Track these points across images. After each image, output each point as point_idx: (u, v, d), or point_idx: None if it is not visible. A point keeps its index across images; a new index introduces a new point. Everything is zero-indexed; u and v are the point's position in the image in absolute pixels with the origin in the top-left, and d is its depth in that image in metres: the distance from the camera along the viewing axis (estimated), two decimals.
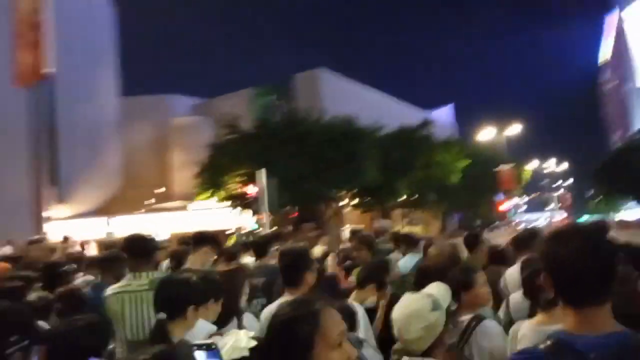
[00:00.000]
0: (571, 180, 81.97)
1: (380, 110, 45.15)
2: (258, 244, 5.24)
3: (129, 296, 2.95)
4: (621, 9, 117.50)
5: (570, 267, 1.39)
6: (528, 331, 2.67)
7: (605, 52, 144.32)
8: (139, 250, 3.08)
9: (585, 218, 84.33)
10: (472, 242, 4.69)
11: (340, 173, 26.79)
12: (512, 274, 3.82)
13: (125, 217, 30.95)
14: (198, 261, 3.63)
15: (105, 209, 36.70)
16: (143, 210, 37.43)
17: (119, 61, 54.51)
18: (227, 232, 23.87)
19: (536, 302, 2.71)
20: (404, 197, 34.93)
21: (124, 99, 53.50)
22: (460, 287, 2.81)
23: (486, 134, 34.47)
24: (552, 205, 71.50)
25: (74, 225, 26.43)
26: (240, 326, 2.88)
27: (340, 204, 31.60)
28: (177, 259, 4.16)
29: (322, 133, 27.82)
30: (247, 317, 2.96)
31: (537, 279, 2.61)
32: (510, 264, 4.13)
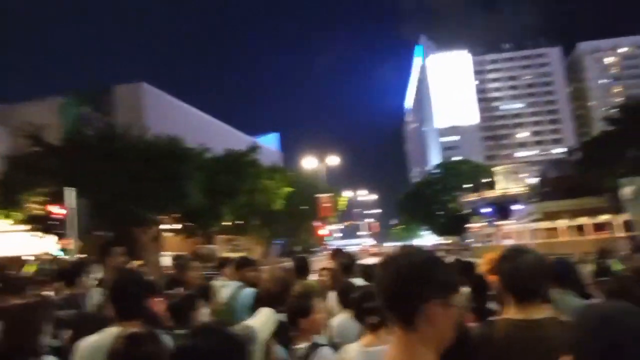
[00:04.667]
0: (378, 210, 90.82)
1: (205, 132, 44.51)
2: (68, 272, 4.54)
3: None
4: (425, 56, 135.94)
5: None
6: (357, 353, 2.72)
7: (410, 95, 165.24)
8: None
9: (390, 244, 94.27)
10: (302, 267, 4.73)
11: (162, 195, 25.38)
12: (333, 297, 3.94)
13: None
14: None
15: None
16: None
17: None
18: (25, 260, 20.68)
19: (364, 325, 2.78)
20: (228, 222, 34.61)
21: None
22: (298, 313, 2.73)
23: (308, 163, 36.35)
24: (363, 232, 78.17)
25: None
26: None
27: (160, 227, 29.88)
28: None
29: (143, 151, 26.14)
30: (48, 359, 2.46)
31: (366, 302, 2.71)
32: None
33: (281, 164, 50.10)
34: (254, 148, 35.75)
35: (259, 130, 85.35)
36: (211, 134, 46.97)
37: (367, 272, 4.49)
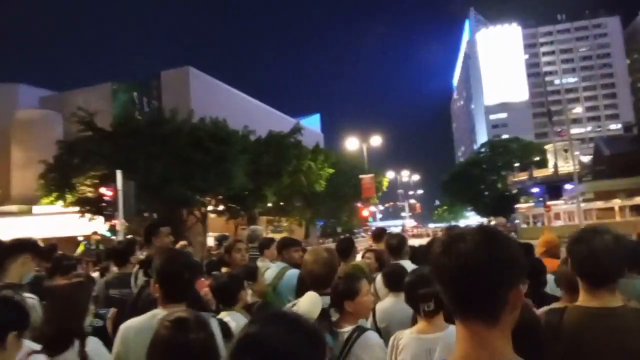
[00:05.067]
0: (421, 191, 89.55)
1: (249, 115, 44.80)
2: (118, 252, 4.59)
3: None
4: (474, 32, 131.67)
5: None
6: (410, 340, 2.56)
7: (458, 73, 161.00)
8: None
9: (432, 225, 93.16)
10: (347, 248, 4.57)
11: (208, 177, 25.85)
12: (379, 280, 3.76)
13: None
14: (15, 275, 2.94)
15: None
16: None
17: None
18: (79, 240, 21.57)
19: (417, 311, 2.61)
20: (271, 204, 34.95)
21: None
22: (344, 296, 2.59)
23: (350, 144, 36.03)
24: (405, 214, 77.42)
25: None
26: (82, 352, 2.36)
27: (205, 209, 30.52)
28: None
29: (189, 134, 26.64)
30: (92, 342, 2.42)
31: (419, 288, 2.54)
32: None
33: (323, 146, 49.94)
34: (296, 129, 35.72)
35: (301, 111, 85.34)
36: (255, 116, 47.28)
37: (416, 254, 4.31)
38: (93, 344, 2.43)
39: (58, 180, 26.87)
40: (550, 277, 3.46)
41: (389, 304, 3.36)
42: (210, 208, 31.01)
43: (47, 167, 27.43)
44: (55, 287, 2.51)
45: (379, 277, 3.81)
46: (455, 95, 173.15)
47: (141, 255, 4.31)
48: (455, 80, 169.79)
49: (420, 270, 2.73)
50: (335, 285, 2.65)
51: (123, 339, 2.31)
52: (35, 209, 32.85)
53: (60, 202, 27.59)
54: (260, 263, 4.53)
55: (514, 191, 53.90)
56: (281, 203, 37.61)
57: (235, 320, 2.82)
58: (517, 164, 55.50)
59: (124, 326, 2.36)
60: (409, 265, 3.77)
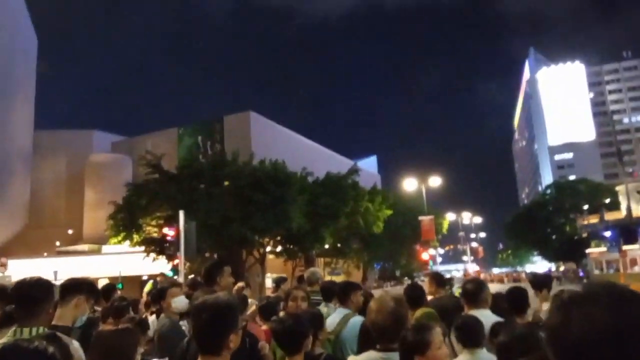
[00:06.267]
0: (484, 233, 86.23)
1: (307, 157, 45.50)
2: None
3: None
4: (534, 71, 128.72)
5: None
6: None
7: (519, 113, 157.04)
8: (26, 298, 2.46)
9: (496, 270, 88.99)
10: (419, 297, 4.10)
11: (267, 218, 26.18)
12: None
13: (27, 261, 27.97)
14: (67, 316, 2.77)
15: (4, 250, 33.08)
16: (45, 254, 34.31)
17: (36, 92, 51.39)
18: (145, 280, 22.31)
19: None
20: (327, 245, 34.77)
21: (39, 132, 50.23)
22: (414, 350, 2.24)
23: (408, 185, 35.48)
24: (466, 257, 74.51)
25: None
26: None
27: (263, 250, 30.78)
28: None
29: (249, 176, 27.29)
30: None
31: (517, 354, 2.05)
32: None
33: (380, 187, 49.59)
34: (354, 171, 35.79)
35: (359, 153, 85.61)
36: (313, 158, 47.97)
37: (498, 303, 3.83)
38: None
39: (126, 221, 28.06)
40: None
41: None
42: (268, 249, 31.25)
43: (116, 208, 28.78)
44: (99, 335, 2.33)
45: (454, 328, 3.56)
46: (516, 136, 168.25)
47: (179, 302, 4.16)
48: (516, 121, 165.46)
49: (516, 328, 2.37)
50: (403, 338, 2.30)
51: None
52: (105, 248, 34.34)
53: (127, 242, 28.68)
54: (322, 308, 4.39)
55: (584, 235, 50.78)
56: (338, 245, 37.33)
57: None
58: (586, 207, 52.52)
59: None
60: (488, 315, 3.41)
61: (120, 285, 27.28)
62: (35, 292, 2.50)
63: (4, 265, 13.52)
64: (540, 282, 4.92)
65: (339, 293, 4.14)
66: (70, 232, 43.94)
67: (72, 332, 2.70)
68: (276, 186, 26.79)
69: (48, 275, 3.59)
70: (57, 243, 40.22)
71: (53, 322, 2.81)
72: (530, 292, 4.32)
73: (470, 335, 2.86)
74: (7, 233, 40.51)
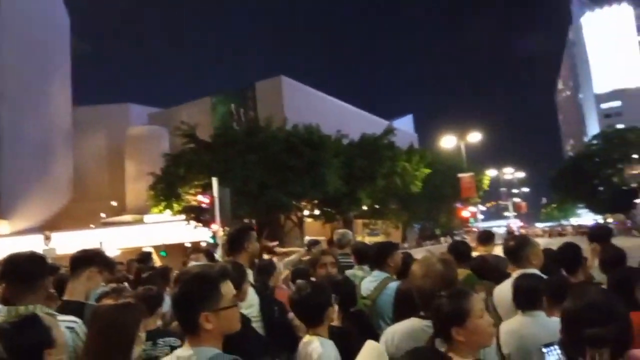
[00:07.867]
0: (526, 188, 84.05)
1: (341, 119, 44.87)
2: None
3: None
4: (578, 17, 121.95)
5: None
6: None
7: (562, 62, 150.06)
8: (19, 274, 2.23)
9: (540, 225, 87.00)
10: (465, 253, 3.74)
11: (303, 182, 26.11)
12: (503, 291, 3.10)
13: (72, 233, 28.84)
14: (80, 290, 2.59)
15: (50, 225, 34.41)
16: (92, 226, 35.52)
17: (72, 68, 52.24)
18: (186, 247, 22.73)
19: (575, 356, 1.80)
20: (365, 207, 34.53)
21: (77, 108, 51.38)
22: (450, 321, 1.88)
23: (446, 143, 34.41)
24: (509, 213, 72.88)
25: (10, 243, 24.01)
26: None
27: (300, 214, 30.87)
28: (61, 287, 2.93)
29: (283, 141, 27.14)
30: None
31: (589, 324, 1.61)
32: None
33: (417, 146, 48.56)
34: (389, 131, 35.08)
35: (394, 113, 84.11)
36: (347, 120, 47.33)
37: (550, 260, 3.37)
38: None
39: (165, 191, 28.60)
40: None
41: (519, 324, 2.59)
42: (306, 213, 31.30)
43: (155, 179, 29.32)
44: (96, 310, 2.04)
45: (497, 291, 3.18)
46: (560, 86, 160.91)
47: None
48: (560, 71, 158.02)
49: (590, 292, 1.69)
50: (437, 307, 1.93)
51: None
52: (147, 218, 35.29)
53: (168, 211, 29.31)
54: (356, 272, 4.06)
55: (633, 185, 48.59)
56: (376, 206, 37.03)
57: (324, 346, 2.28)
58: (635, 156, 50.05)
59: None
60: (534, 272, 3.03)
61: (163, 253, 28.21)
62: (29, 266, 2.26)
63: (49, 238, 14.10)
64: (599, 234, 4.45)
65: (374, 255, 3.77)
66: (114, 204, 45.34)
67: (86, 308, 2.48)
68: (311, 150, 26.57)
69: (94, 246, 3.41)
70: (103, 215, 41.58)
71: (65, 298, 2.63)
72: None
73: (531, 297, 2.55)
74: (53, 208, 42.14)
